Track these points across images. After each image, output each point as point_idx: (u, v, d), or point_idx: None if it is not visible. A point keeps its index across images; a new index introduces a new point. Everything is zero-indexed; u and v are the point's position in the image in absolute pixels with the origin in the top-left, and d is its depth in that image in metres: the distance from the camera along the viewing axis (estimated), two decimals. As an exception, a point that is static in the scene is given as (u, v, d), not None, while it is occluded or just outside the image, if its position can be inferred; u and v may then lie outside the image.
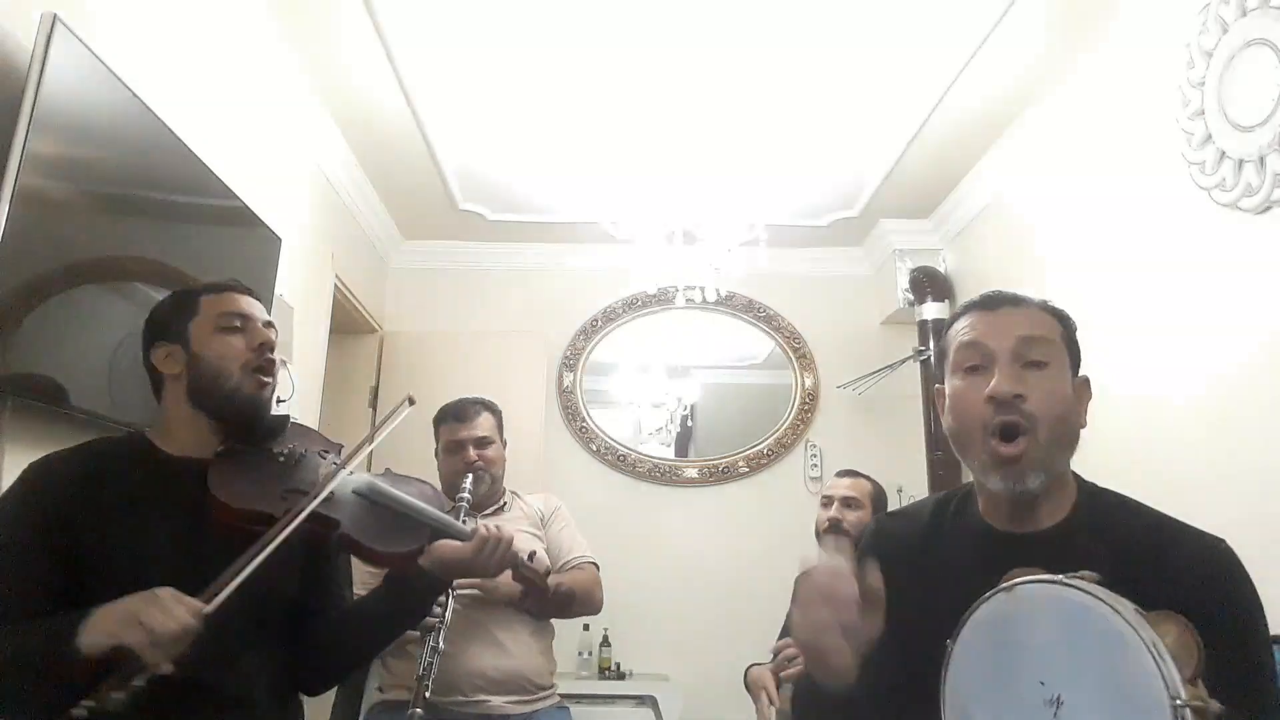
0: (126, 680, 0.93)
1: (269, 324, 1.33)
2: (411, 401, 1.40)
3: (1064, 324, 1.09)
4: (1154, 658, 0.63)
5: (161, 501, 1.19)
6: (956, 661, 0.83)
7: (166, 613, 0.96)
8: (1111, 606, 0.67)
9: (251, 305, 1.31)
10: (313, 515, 1.16)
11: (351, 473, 1.29)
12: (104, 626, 0.97)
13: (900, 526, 1.19)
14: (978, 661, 0.82)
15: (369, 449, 1.33)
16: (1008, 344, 1.03)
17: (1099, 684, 0.69)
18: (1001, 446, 1.00)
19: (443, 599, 1.73)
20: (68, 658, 0.96)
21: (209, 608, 1.00)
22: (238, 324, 1.27)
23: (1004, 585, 0.79)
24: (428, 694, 1.60)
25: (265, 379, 1.27)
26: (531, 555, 1.40)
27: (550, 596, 1.44)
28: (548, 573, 1.45)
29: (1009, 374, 1.01)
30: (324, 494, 1.18)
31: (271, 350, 1.29)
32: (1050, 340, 1.05)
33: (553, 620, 2.20)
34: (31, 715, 1.02)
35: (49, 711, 0.93)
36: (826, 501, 2.45)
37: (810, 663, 0.87)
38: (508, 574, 1.58)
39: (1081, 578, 0.72)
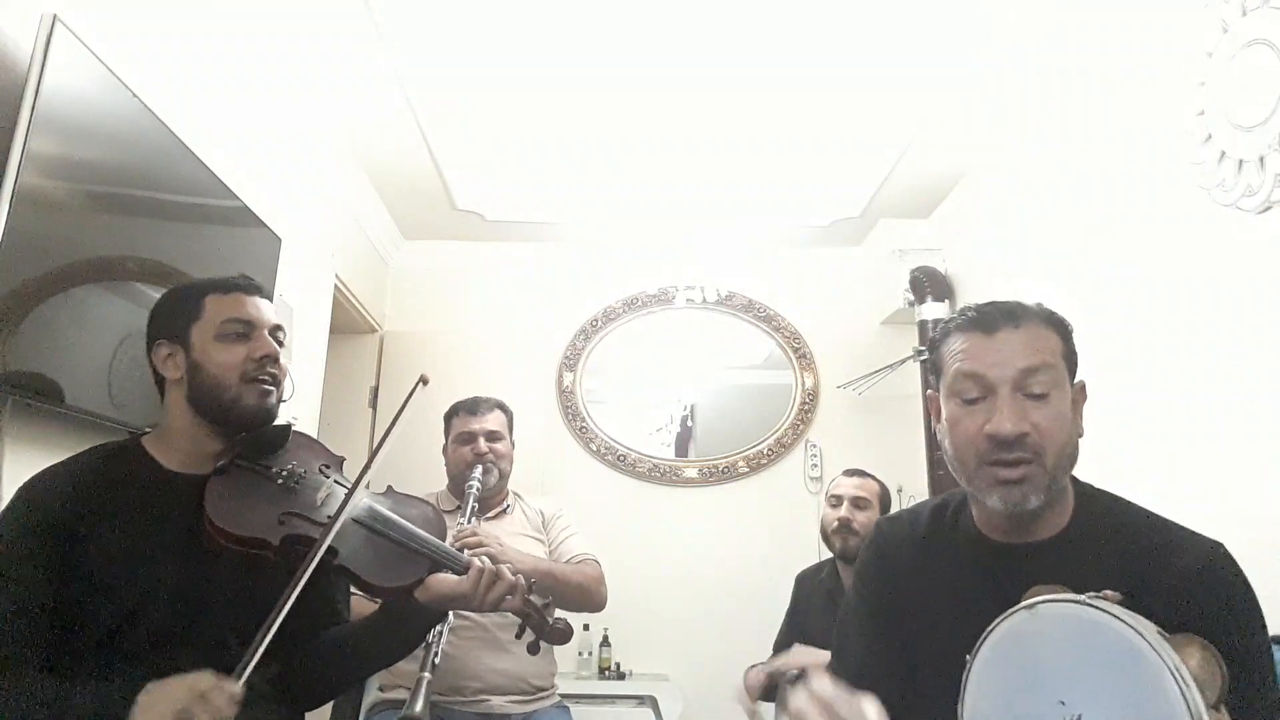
0: None
1: (276, 328, 1.29)
2: (425, 381, 1.33)
3: (1063, 335, 1.06)
4: (1177, 681, 0.62)
5: (160, 521, 1.17)
6: (976, 677, 0.83)
7: (214, 712, 0.96)
8: (1134, 628, 0.66)
9: (258, 308, 1.27)
10: (309, 544, 1.14)
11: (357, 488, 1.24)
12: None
13: (899, 532, 1.18)
14: (998, 678, 0.81)
15: (387, 446, 1.26)
16: (1008, 375, 1.00)
17: (1119, 705, 0.68)
18: (1003, 470, 0.98)
19: None
20: None
21: (240, 684, 1.00)
22: (241, 330, 1.24)
23: (1025, 604, 0.78)
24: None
25: (268, 388, 1.24)
26: (531, 586, 1.37)
27: (549, 630, 1.41)
28: (548, 606, 1.41)
29: (1011, 410, 0.98)
30: (329, 540, 1.14)
31: (275, 360, 1.25)
32: (1051, 365, 1.01)
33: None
34: None
35: None
36: (835, 501, 2.41)
37: None
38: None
39: (1104, 598, 0.70)
